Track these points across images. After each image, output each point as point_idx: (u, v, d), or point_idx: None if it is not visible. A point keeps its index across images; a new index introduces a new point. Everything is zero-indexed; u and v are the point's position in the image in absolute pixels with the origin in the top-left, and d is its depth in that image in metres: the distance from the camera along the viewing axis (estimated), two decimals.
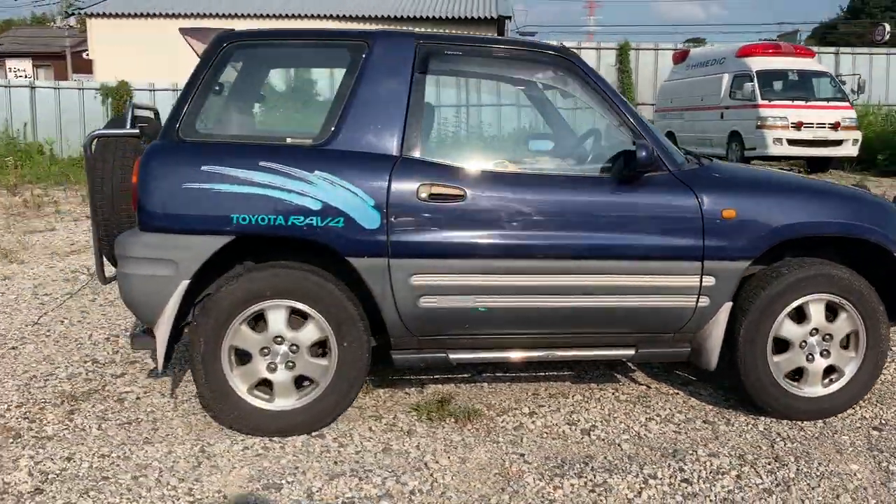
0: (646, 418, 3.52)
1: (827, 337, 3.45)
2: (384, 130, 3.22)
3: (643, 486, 2.90)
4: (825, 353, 3.46)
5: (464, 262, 3.20)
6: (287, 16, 20.35)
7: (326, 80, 3.62)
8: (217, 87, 3.29)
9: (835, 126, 14.22)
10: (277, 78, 3.77)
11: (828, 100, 14.53)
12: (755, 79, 14.45)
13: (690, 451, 3.18)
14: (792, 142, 14.05)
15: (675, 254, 3.28)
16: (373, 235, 3.13)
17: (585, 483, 2.92)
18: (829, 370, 3.49)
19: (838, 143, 14.35)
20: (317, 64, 3.65)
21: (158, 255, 3.10)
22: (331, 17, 20.49)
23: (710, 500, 2.80)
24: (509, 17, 22.33)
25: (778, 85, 14.68)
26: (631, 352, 3.43)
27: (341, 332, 3.20)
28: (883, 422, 3.51)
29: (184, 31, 3.38)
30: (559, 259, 3.24)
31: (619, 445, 3.25)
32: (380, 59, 3.27)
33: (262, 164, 3.12)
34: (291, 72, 3.62)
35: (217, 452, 3.12)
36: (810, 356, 3.44)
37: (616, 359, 3.50)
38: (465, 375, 4.04)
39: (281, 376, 3.23)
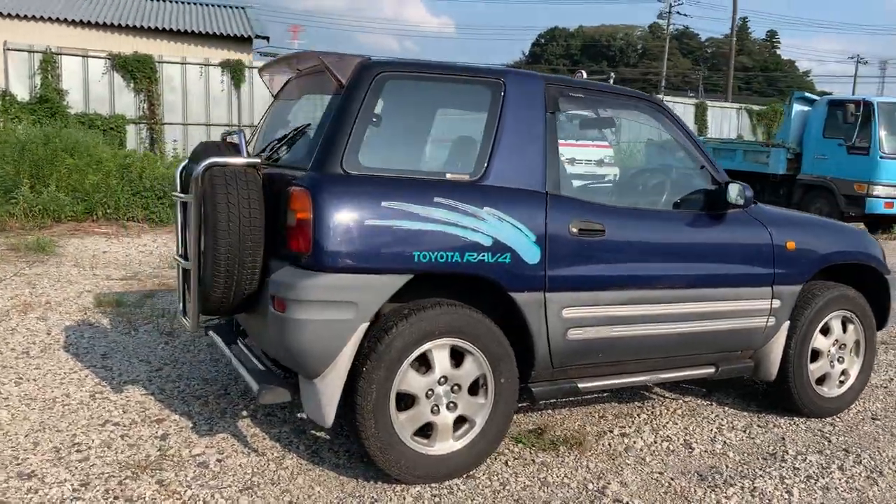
0: (716, 429, 3.94)
1: (842, 346, 4.17)
2: (531, 167, 3.28)
3: (783, 485, 3.30)
4: (840, 360, 4.17)
5: (605, 293, 3.36)
6: (26, 17, 17.92)
7: (455, 114, 3.51)
8: (374, 119, 3.08)
9: (599, 162, 16.21)
10: (418, 110, 3.50)
11: (594, 139, 16.49)
12: None
13: (780, 453, 3.66)
14: None
15: (756, 281, 3.76)
16: (534, 270, 3.17)
17: (742, 489, 3.24)
18: (842, 373, 4.21)
19: (602, 177, 16.37)
20: (453, 98, 3.52)
21: (338, 298, 2.84)
22: (80, 22, 18.47)
23: (840, 490, 3.29)
24: (267, 38, 21.95)
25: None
26: (712, 370, 3.83)
27: (499, 368, 3.18)
28: (874, 413, 4.31)
29: (325, 55, 3.10)
30: (676, 288, 3.55)
31: (725, 455, 3.62)
32: (518, 98, 3.32)
33: (436, 199, 3.01)
34: (430, 104, 3.40)
35: None
36: (832, 363, 4.14)
37: (701, 378, 3.87)
38: (524, 404, 4.14)
39: (443, 418, 3.11)
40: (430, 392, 3.06)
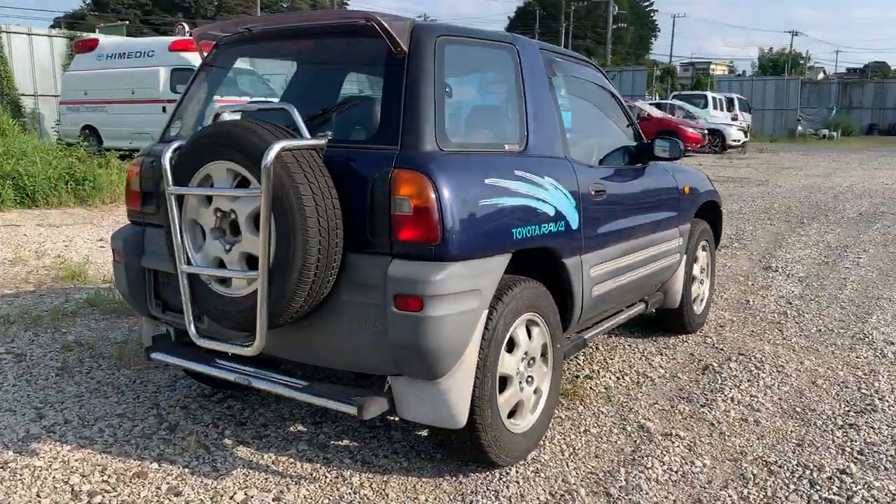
0: (645, 360, 4.47)
1: (703, 270, 4.99)
2: (553, 133, 3.32)
3: (743, 389, 3.94)
4: (702, 282, 5.00)
5: (610, 249, 3.59)
6: None
7: (480, 81, 2.98)
8: (448, 89, 2.78)
9: None
10: (467, 77, 2.93)
11: (266, 95, 15.98)
12: None
13: (708, 366, 4.32)
14: None
15: (675, 222, 4.32)
16: (577, 235, 3.26)
17: (725, 398, 3.80)
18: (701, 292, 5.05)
19: None
20: (486, 63, 3.11)
21: (467, 287, 2.62)
22: None
23: (769, 379, 4.04)
24: None
25: (220, 80, 15.34)
26: (643, 306, 4.32)
27: (555, 335, 3.23)
28: (721, 323, 5.26)
29: (379, 15, 2.64)
30: (642, 236, 3.92)
31: (677, 377, 4.16)
32: (530, 63, 3.31)
33: (517, 173, 2.91)
34: (471, 70, 2.83)
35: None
36: (700, 285, 4.94)
37: (639, 314, 4.30)
38: None
39: (527, 394, 3.09)
40: (517, 370, 3.00)
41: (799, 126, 39.26)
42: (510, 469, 3.02)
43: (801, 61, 75.06)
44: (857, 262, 7.50)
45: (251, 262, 2.67)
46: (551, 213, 3.06)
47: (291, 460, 3.10)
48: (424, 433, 3.34)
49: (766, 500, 2.85)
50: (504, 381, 2.96)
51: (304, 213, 2.49)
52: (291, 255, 2.50)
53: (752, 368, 4.29)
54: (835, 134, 39.45)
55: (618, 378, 4.12)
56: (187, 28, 31.11)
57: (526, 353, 3.05)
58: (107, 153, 12.20)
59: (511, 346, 2.98)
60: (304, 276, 2.53)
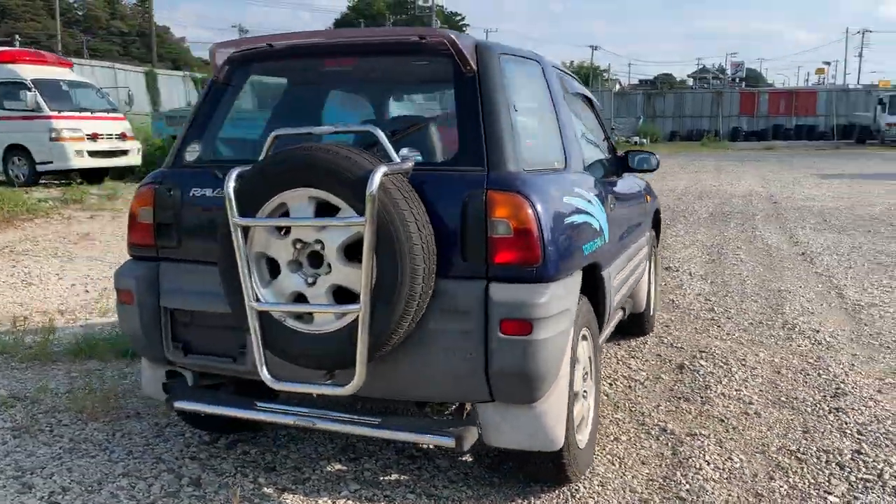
0: (623, 364, 4.63)
1: (653, 274, 5.25)
2: (578, 149, 3.37)
3: (733, 379, 4.20)
4: (652, 284, 5.26)
5: (621, 258, 3.70)
6: None
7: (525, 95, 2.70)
8: (515, 108, 2.72)
9: (122, 136, 14.68)
10: (519, 94, 2.68)
11: (107, 111, 14.80)
12: (34, 88, 13.52)
13: (678, 363, 4.56)
14: (93, 153, 13.91)
15: (646, 228, 4.53)
16: (607, 247, 3.33)
17: (722, 395, 4.02)
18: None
19: (126, 152, 14.87)
20: (525, 81, 2.96)
21: (563, 307, 2.60)
22: None
23: (740, 372, 4.34)
24: None
25: (57, 95, 14.05)
26: (622, 313, 4.47)
27: (597, 348, 3.28)
28: (664, 323, 5.54)
29: (447, 34, 2.51)
30: (634, 243, 4.08)
31: (660, 378, 4.35)
32: (553, 80, 3.34)
33: (576, 190, 2.93)
34: (518, 87, 2.54)
35: None
36: (652, 289, 5.20)
37: (619, 320, 4.43)
38: None
39: (585, 408, 3.11)
40: (581, 386, 3.01)
41: (613, 134, 42.24)
42: (577, 486, 3.02)
43: (603, 73, 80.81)
44: (739, 258, 8.20)
45: (339, 295, 2.48)
46: (597, 227, 3.11)
47: (351, 503, 2.91)
48: (469, 458, 3.26)
49: (815, 486, 3.06)
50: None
51: (410, 239, 2.36)
52: (398, 285, 2.36)
53: (721, 364, 4.57)
54: (644, 140, 42.82)
55: (610, 384, 4.24)
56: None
57: (583, 368, 3.07)
58: None
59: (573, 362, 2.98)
60: (409, 306, 2.39)
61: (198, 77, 32.09)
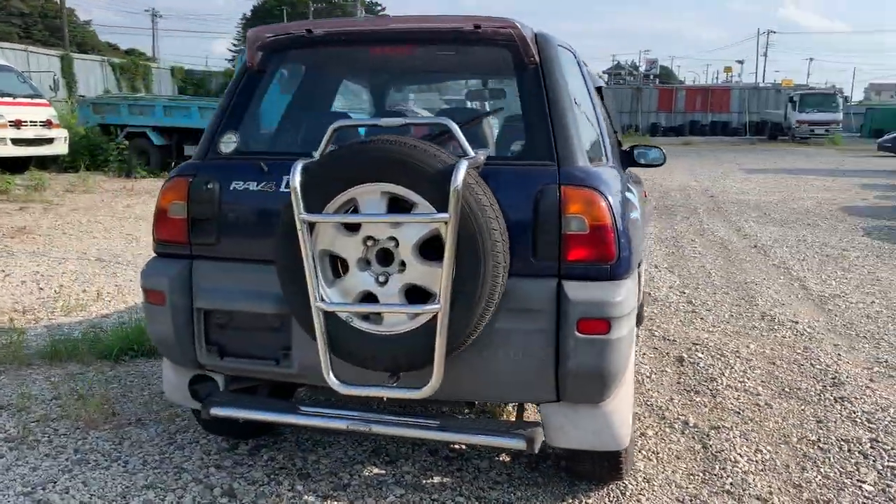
0: None
1: None
2: (607, 142, 3.33)
3: (724, 374, 4.28)
4: None
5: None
6: None
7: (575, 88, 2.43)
8: (577, 102, 2.66)
9: (47, 123, 13.87)
10: (571, 87, 2.49)
11: (30, 97, 13.95)
12: None
13: (672, 357, 4.63)
14: (16, 141, 13.09)
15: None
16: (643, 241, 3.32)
17: (730, 388, 4.09)
18: None
19: (51, 141, 14.07)
20: (574, 72, 2.84)
21: (633, 305, 2.56)
22: None
23: (728, 368, 4.44)
24: None
25: None
26: None
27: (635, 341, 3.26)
28: (648, 316, 5.61)
29: (509, 23, 2.40)
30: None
31: (667, 371, 4.40)
32: (584, 70, 3.29)
33: (628, 185, 2.91)
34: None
35: None
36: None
37: None
38: None
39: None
40: None
41: None
42: (625, 484, 3.01)
43: None
44: (697, 251, 8.40)
45: (411, 294, 2.38)
46: (640, 221, 3.10)
47: None
48: (506, 458, 3.20)
49: (846, 475, 3.14)
50: None
51: (492, 235, 2.28)
52: (479, 283, 2.27)
53: (718, 356, 4.66)
54: None
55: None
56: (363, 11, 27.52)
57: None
58: None
59: None
60: (488, 305, 2.31)
61: (115, 62, 30.74)
